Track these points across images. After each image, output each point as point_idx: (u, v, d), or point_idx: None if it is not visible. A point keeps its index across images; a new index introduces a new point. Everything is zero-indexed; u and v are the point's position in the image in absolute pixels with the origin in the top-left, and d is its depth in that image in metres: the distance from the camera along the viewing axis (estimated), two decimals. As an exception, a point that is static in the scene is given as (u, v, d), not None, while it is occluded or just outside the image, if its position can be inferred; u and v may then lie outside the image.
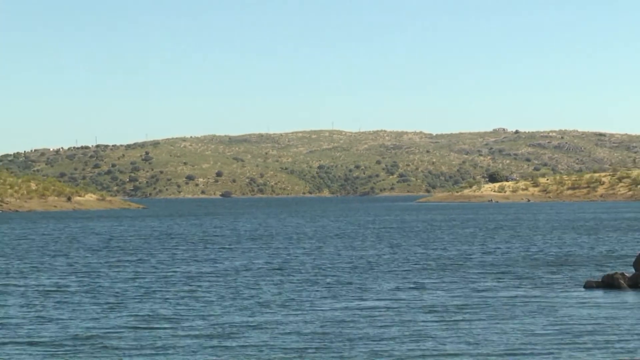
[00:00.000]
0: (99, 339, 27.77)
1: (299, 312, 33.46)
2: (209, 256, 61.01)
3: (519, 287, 41.38)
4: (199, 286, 42.40)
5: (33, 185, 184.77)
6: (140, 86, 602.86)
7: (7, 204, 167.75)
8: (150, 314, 33.12)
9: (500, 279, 45.26)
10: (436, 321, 31.05)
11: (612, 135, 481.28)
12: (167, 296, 38.52)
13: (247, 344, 26.94)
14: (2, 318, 32.24)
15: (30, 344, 27.08)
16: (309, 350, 25.83)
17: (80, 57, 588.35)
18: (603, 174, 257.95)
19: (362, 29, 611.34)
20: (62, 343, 27.11)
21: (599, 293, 39.45)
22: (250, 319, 31.72)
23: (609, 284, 41.18)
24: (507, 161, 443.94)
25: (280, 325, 30.44)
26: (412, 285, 42.35)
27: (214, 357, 24.94)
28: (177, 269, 51.26)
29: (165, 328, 29.79)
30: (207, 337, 27.94)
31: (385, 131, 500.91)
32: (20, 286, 42.82)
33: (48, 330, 29.57)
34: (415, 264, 53.76)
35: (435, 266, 52.53)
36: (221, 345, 26.63)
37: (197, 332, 28.89)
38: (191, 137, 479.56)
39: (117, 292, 40.01)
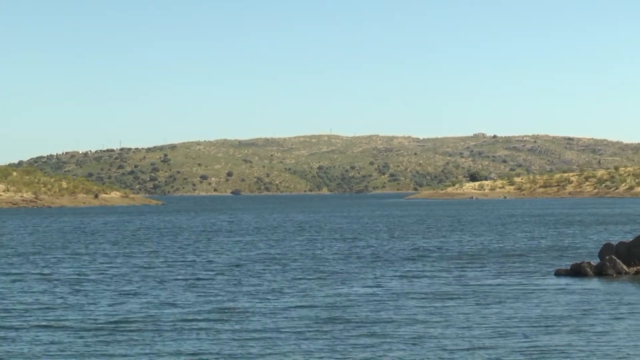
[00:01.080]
0: (118, 323, 27.51)
1: (299, 298, 33.25)
2: (219, 247, 60.92)
3: (497, 275, 41.19)
4: (208, 274, 42.25)
5: (64, 184, 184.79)
6: (160, 96, 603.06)
7: (41, 200, 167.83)
8: (162, 300, 32.87)
9: (480, 268, 45.05)
10: (425, 306, 30.74)
11: (579, 139, 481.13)
12: (180, 284, 38.34)
13: (251, 327, 26.70)
14: (31, 303, 32.03)
15: (56, 327, 26.80)
16: (309, 333, 25.56)
17: (107, 69, 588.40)
18: (571, 174, 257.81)
19: (357, 44, 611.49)
20: (86, 327, 26.84)
21: (568, 280, 39.28)
22: (254, 304, 31.51)
23: (577, 271, 41.05)
24: (486, 162, 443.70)
25: (282, 309, 30.19)
26: (401, 274, 42.17)
27: (221, 339, 24.74)
28: (188, 259, 51.16)
29: (176, 313, 29.51)
30: (214, 321, 27.66)
31: (377, 136, 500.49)
32: (46, 274, 42.65)
33: (72, 315, 29.31)
34: (403, 255, 53.62)
35: (421, 256, 52.37)
36: (226, 329, 26.37)
37: (205, 316, 28.63)
38: (205, 141, 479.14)
39: (134, 280, 39.83)
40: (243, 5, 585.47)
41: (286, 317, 28.44)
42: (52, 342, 24.27)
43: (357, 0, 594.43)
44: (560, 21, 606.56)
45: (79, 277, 41.39)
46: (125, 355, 22.51)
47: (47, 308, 30.83)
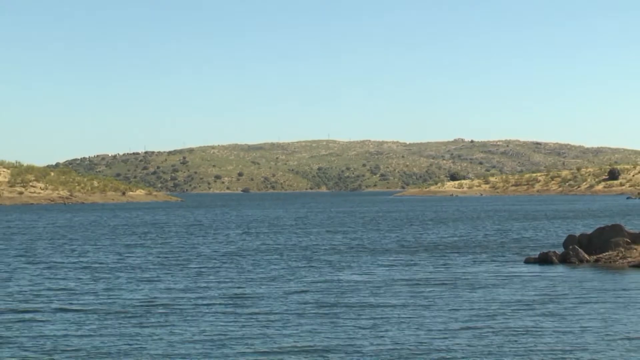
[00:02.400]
0: (142, 307, 27.22)
1: (299, 284, 32.97)
2: (227, 239, 60.62)
3: (475, 264, 40.92)
4: (216, 263, 41.99)
5: (95, 183, 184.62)
6: (180, 105, 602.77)
7: (75, 197, 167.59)
8: (176, 286, 32.57)
9: (459, 257, 44.78)
10: (412, 292, 30.29)
11: (546, 143, 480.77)
12: (191, 272, 38.06)
13: (257, 310, 26.42)
14: (62, 289, 31.62)
15: (85, 311, 26.44)
16: (310, 315, 25.22)
17: (134, 82, 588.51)
18: (539, 174, 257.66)
19: (352, 62, 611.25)
20: (113, 310, 26.45)
21: (536, 267, 39.10)
22: (258, 290, 31.24)
23: (544, 259, 40.90)
24: (465, 164, 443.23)
25: (284, 294, 29.89)
26: (390, 263, 41.92)
27: (230, 319, 24.44)
28: (199, 249, 50.89)
29: (189, 297, 29.18)
30: (223, 305, 27.36)
31: (369, 141, 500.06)
32: (74, 262, 42.32)
33: (99, 300, 28.94)
34: (392, 246, 53.37)
35: (408, 247, 52.14)
36: (235, 312, 26.05)
37: (214, 301, 28.36)
38: (218, 145, 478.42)
39: (149, 269, 39.53)
40: (254, 30, 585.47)
41: (288, 300, 28.12)
42: (83, 325, 23.87)
43: (345, 25, 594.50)
44: (527, 39, 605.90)
45: (106, 265, 41.07)
46: (150, 336, 22.12)
47: (77, 293, 30.46)
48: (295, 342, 21.21)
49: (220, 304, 27.58)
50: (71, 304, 27.81)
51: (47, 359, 19.61)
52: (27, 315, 25.40)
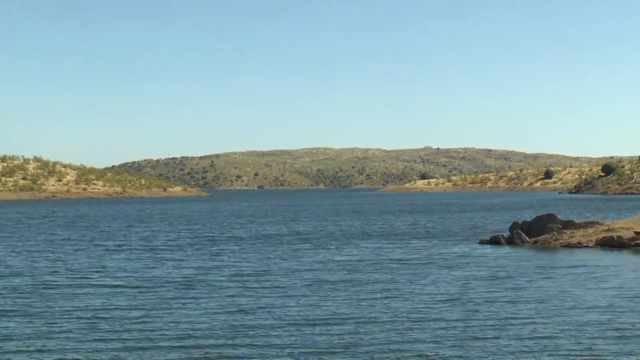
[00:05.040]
0: (178, 282, 26.42)
1: (296, 263, 32.39)
2: (235, 228, 60.10)
3: (440, 246, 40.41)
4: (223, 248, 41.47)
5: (143, 181, 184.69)
6: (210, 120, 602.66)
7: (127, 192, 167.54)
8: (207, 265, 31.92)
9: (427, 241, 44.31)
10: (396, 269, 29.49)
11: (495, 150, 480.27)
12: (203, 255, 37.52)
13: (259, 286, 25.82)
14: (108, 267, 30.82)
15: (127, 286, 25.67)
16: (310, 288, 24.46)
17: (173, 100, 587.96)
18: (490, 174, 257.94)
19: (346, 83, 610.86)
20: (152, 286, 25.57)
21: (488, 247, 38.73)
22: (259, 269, 30.55)
23: (494, 241, 40.61)
24: (432, 166, 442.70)
25: (281, 271, 29.16)
26: (373, 246, 41.42)
27: (239, 292, 23.61)
28: (209, 235, 50.37)
29: (204, 274, 28.32)
30: (232, 281, 26.53)
31: (357, 148, 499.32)
32: (120, 245, 41.52)
33: (139, 276, 28.14)
34: (374, 232, 52.93)
35: (387, 233, 51.68)
36: (242, 286, 25.21)
37: (225, 277, 27.53)
38: (239, 151, 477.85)
39: (172, 250, 38.94)
40: (263, 56, 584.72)
41: (286, 276, 27.43)
42: (126, 297, 23.05)
43: (335, 53, 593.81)
44: (481, 65, 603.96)
45: (145, 246, 40.44)
46: (184, 307, 21.17)
47: (119, 270, 29.74)
48: (305, 312, 20.26)
49: (235, 280, 26.92)
50: (119, 279, 26.97)
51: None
52: (78, 289, 24.70)
